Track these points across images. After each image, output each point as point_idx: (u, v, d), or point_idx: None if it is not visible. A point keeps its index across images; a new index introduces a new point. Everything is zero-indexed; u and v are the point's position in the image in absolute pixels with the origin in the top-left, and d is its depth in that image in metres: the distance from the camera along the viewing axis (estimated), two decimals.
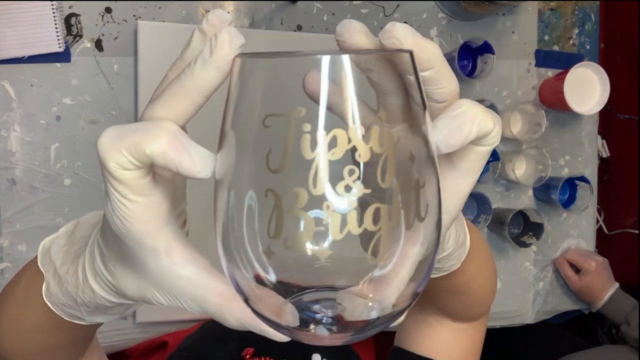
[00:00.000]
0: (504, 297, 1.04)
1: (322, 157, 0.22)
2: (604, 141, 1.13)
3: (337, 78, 0.23)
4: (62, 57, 0.82)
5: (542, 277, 1.07)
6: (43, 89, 0.82)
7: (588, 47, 1.08)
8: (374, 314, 0.25)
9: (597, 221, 1.13)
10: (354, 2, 0.94)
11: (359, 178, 0.23)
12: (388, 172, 0.23)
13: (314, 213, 0.23)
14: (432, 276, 0.38)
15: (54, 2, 0.80)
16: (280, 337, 0.26)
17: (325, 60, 0.23)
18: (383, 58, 0.26)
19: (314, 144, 0.22)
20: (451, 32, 0.99)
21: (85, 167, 0.85)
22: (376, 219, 0.23)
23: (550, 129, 1.05)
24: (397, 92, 0.25)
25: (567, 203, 1.03)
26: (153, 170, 0.27)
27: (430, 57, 0.26)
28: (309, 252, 0.23)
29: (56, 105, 0.83)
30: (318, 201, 0.23)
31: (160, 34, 0.83)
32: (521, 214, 1.01)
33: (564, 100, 0.94)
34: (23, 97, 0.82)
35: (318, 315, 0.25)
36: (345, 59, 0.23)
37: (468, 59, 0.98)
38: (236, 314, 0.27)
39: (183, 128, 0.28)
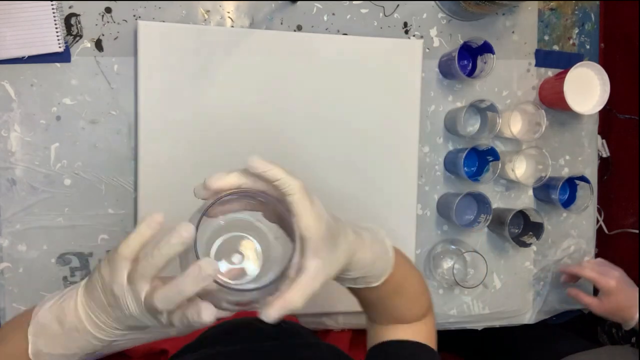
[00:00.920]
0: (504, 297, 1.04)
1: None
2: (604, 141, 1.13)
3: None
4: (62, 57, 0.82)
5: (542, 277, 1.07)
6: (43, 89, 0.82)
7: (588, 47, 1.08)
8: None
9: (597, 221, 1.13)
10: (354, 2, 0.94)
11: None
12: None
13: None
14: (376, 283, 0.55)
15: (54, 2, 0.80)
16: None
17: None
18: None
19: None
20: (451, 32, 0.99)
21: (85, 167, 0.85)
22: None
23: (550, 128, 1.05)
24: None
25: (567, 203, 1.03)
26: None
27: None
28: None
29: (56, 105, 0.83)
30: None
31: (160, 34, 0.83)
32: (521, 214, 1.01)
33: (564, 100, 0.94)
34: (23, 97, 0.82)
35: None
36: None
37: (468, 59, 0.98)
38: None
39: None
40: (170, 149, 0.85)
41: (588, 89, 0.97)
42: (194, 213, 0.44)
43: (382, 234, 0.56)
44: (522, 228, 1.02)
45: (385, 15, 0.95)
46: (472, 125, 0.99)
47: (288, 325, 0.83)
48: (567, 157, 1.07)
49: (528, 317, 1.07)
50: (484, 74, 0.94)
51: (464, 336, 1.09)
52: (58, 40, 0.81)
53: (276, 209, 0.45)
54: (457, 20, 0.99)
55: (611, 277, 0.94)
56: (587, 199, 1.00)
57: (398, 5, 0.96)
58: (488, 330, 1.07)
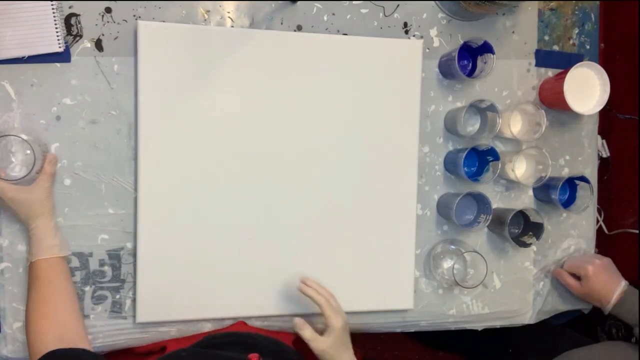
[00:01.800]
0: (504, 297, 1.04)
1: None
2: (604, 141, 1.13)
3: None
4: (62, 57, 0.82)
5: (542, 277, 1.07)
6: (43, 89, 0.82)
7: (588, 47, 1.08)
8: None
9: (597, 221, 1.13)
10: (354, 2, 0.94)
11: None
12: None
13: None
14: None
15: (54, 2, 0.80)
16: None
17: None
18: None
19: None
20: (451, 32, 0.99)
21: (85, 167, 0.85)
22: None
23: (550, 128, 1.05)
24: None
25: (567, 203, 1.03)
26: None
27: None
28: None
29: (56, 105, 0.83)
30: None
31: (160, 34, 0.83)
32: (521, 214, 1.01)
33: (564, 100, 0.94)
34: (23, 97, 0.82)
35: None
36: None
37: (468, 59, 0.98)
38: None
39: None
40: (170, 149, 0.85)
41: (588, 89, 0.97)
42: None
43: None
44: (522, 228, 1.02)
45: (385, 16, 0.95)
46: (472, 125, 0.99)
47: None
48: (567, 157, 1.07)
49: (528, 317, 1.07)
50: (484, 74, 0.94)
51: (464, 336, 1.10)
52: (58, 40, 0.81)
53: None
54: (457, 20, 0.99)
55: (590, 263, 1.01)
56: (587, 199, 1.00)
57: (398, 6, 0.96)
58: (488, 330, 1.07)
